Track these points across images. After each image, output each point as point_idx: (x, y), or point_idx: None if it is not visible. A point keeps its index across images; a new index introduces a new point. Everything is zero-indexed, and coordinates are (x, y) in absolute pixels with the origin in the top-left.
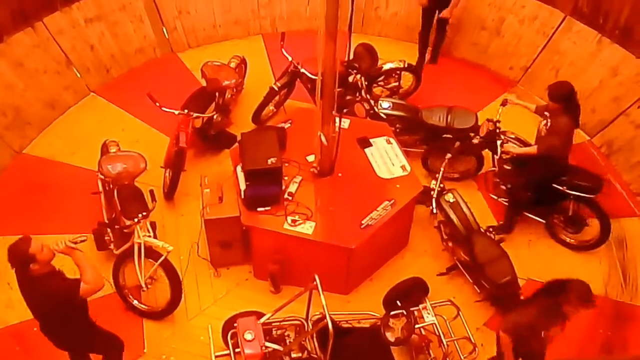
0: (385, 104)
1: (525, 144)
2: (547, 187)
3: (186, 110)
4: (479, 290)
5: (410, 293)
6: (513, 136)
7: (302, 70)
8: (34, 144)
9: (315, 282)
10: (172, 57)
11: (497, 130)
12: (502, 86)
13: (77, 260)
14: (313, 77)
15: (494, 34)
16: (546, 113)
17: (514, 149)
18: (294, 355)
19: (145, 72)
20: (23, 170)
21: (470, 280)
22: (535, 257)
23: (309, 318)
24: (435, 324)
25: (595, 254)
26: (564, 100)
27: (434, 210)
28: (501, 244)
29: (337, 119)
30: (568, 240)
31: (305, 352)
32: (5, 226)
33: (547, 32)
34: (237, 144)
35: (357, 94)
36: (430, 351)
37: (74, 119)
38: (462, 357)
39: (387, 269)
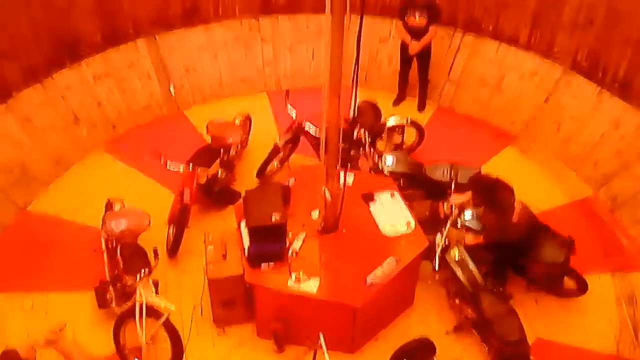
0: (388, 159)
1: None
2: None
3: (191, 166)
4: (487, 349)
5: (417, 353)
6: (470, 216)
7: (306, 127)
8: (38, 201)
9: (319, 341)
10: (178, 114)
11: (451, 217)
12: (504, 140)
13: (64, 350)
14: (317, 135)
15: (495, 90)
16: None
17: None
18: None
19: (151, 129)
20: (26, 228)
21: (479, 338)
22: (544, 316)
23: None
24: None
25: (606, 311)
26: (482, 193)
27: (437, 268)
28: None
29: (342, 174)
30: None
31: None
32: (8, 283)
33: (547, 87)
34: (241, 200)
35: (361, 149)
36: None
37: (79, 175)
38: None
39: (392, 328)
